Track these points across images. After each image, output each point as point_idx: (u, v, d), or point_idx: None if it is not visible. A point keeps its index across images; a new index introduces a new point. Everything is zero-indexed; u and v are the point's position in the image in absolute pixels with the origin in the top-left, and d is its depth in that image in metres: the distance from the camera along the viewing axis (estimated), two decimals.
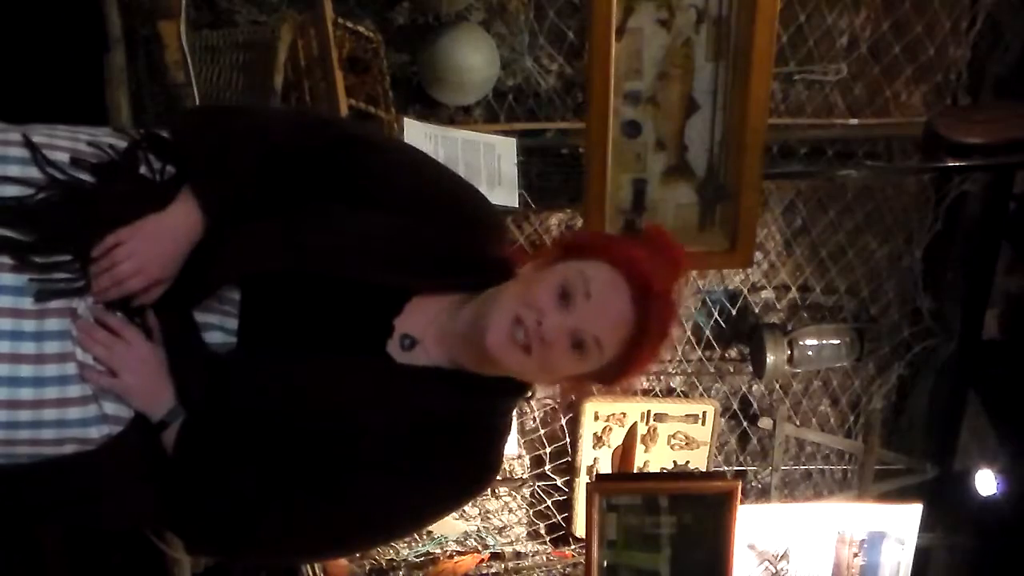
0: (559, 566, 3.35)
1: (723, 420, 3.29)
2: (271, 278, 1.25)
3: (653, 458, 3.19)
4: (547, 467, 3.24)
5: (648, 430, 3.16)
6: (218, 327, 1.26)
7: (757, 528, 2.82)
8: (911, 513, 2.83)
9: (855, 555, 2.86)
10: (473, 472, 1.34)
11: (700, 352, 3.22)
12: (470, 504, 3.28)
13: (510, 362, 1.21)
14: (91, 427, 1.21)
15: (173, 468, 1.24)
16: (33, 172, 1.22)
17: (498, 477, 1.71)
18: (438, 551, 3.31)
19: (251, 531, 1.26)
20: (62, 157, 1.24)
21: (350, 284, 1.26)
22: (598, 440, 3.15)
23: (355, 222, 1.29)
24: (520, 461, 3.29)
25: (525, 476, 3.30)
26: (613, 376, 1.27)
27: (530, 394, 1.37)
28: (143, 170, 1.28)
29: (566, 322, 1.19)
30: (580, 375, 1.27)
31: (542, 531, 3.40)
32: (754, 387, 3.34)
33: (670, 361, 3.22)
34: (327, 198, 1.30)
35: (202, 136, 1.29)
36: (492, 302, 1.23)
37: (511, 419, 1.40)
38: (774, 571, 2.86)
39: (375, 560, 3.24)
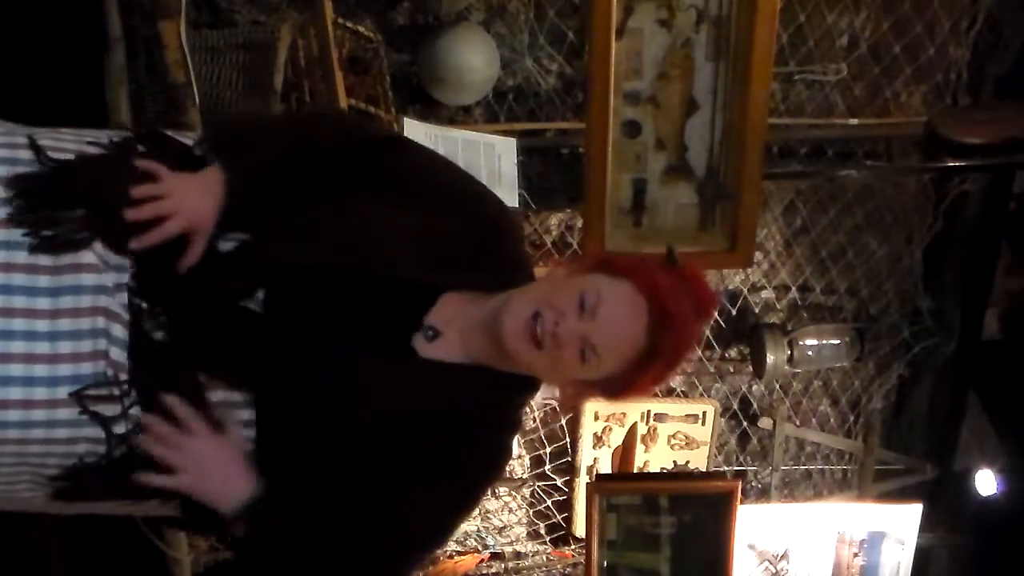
0: (559, 566, 3.34)
1: (723, 420, 3.29)
2: (297, 272, 1.27)
3: (653, 458, 3.19)
4: (547, 467, 3.23)
5: (648, 430, 3.16)
6: None
7: (757, 528, 2.82)
8: (911, 513, 2.83)
9: (855, 555, 2.86)
10: (490, 458, 1.39)
11: (700, 352, 3.21)
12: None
13: (521, 354, 1.26)
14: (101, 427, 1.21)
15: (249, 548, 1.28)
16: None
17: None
18: (438, 551, 3.31)
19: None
20: (68, 159, 1.25)
21: (379, 280, 1.29)
22: (598, 440, 3.15)
23: (386, 219, 1.33)
24: (520, 461, 3.29)
25: (525, 476, 3.30)
26: (616, 391, 1.33)
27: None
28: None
29: (580, 328, 1.25)
30: (583, 382, 1.33)
31: (542, 531, 3.40)
32: (754, 387, 3.34)
33: None
34: (356, 195, 1.34)
35: (229, 128, 1.39)
36: (515, 298, 1.30)
37: (523, 414, 1.46)
38: (774, 571, 2.86)
39: None
